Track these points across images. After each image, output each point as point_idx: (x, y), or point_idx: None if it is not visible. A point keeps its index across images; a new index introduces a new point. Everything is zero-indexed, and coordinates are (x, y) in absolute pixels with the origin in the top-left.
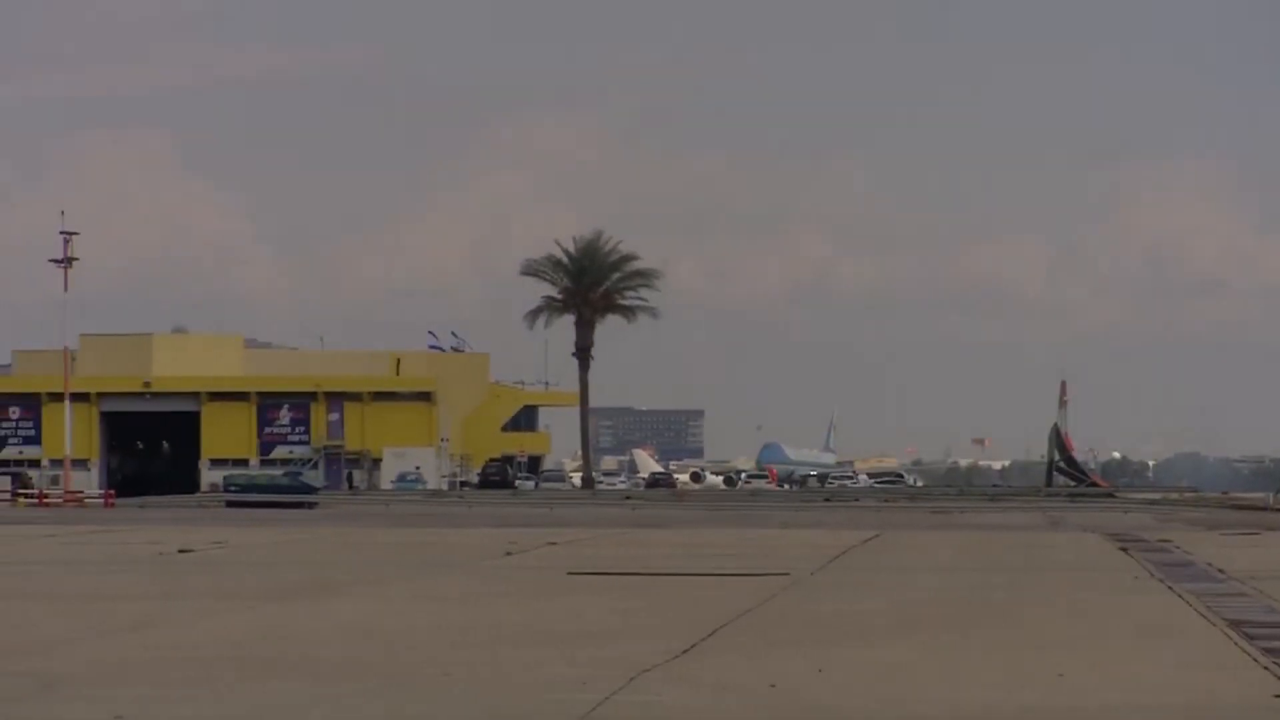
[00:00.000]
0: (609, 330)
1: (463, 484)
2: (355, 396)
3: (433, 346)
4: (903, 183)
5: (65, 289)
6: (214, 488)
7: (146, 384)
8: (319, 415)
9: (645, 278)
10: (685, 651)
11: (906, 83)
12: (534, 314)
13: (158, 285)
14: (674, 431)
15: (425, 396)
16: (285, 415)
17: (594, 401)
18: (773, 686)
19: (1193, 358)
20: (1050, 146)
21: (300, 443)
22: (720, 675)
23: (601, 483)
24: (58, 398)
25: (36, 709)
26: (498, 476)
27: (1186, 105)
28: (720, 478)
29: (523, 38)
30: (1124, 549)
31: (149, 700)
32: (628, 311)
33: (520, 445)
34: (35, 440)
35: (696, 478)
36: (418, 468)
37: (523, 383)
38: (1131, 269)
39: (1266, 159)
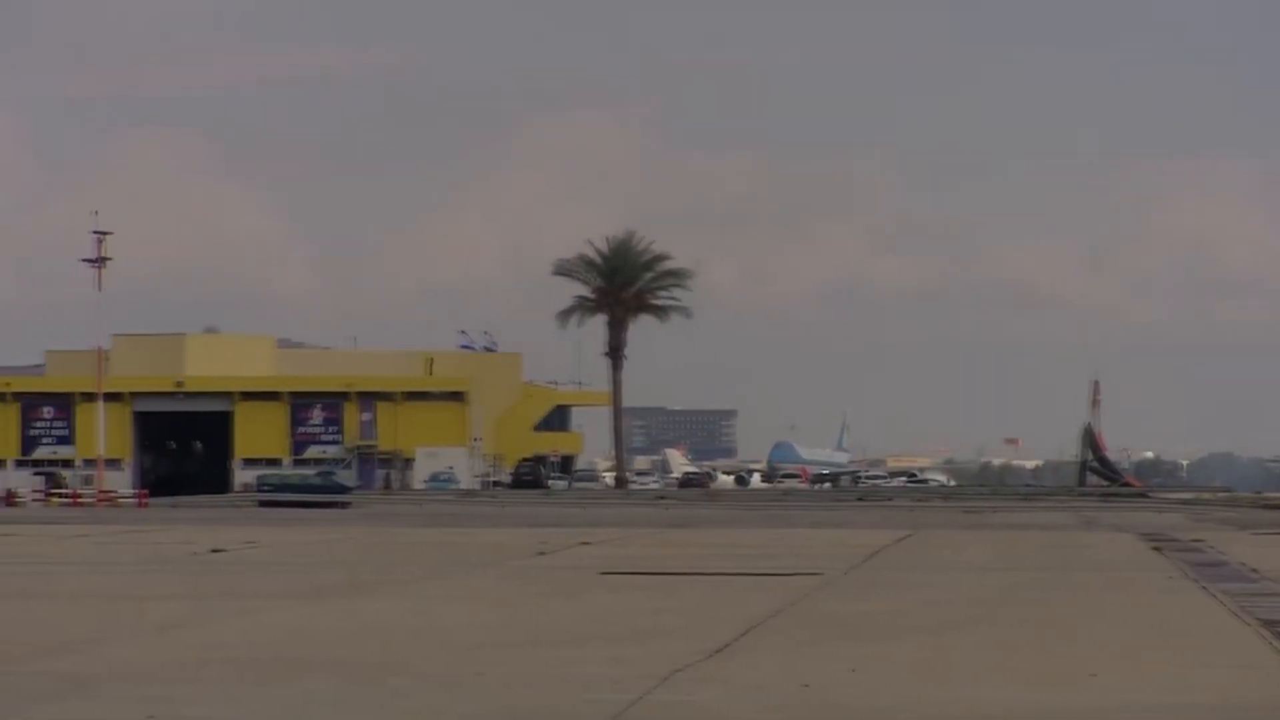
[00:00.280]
0: (641, 330)
1: (495, 484)
2: (388, 396)
3: (464, 346)
4: (936, 181)
5: (98, 289)
6: (246, 487)
7: (179, 384)
8: (351, 415)
9: (677, 277)
10: (718, 651)
11: (940, 78)
12: (566, 314)
13: (190, 285)
14: (706, 431)
15: (458, 396)
16: (318, 415)
17: (626, 401)
18: (805, 686)
19: (1226, 358)
20: (1085, 144)
21: (333, 442)
22: (753, 675)
23: (634, 482)
24: (91, 398)
25: (69, 708)
26: (530, 476)
27: (1224, 103)
28: (731, 477)
29: (555, 36)
30: (1157, 549)
31: (180, 700)
32: (660, 311)
33: (553, 445)
34: (69, 440)
35: (741, 481)
36: (450, 468)
37: (555, 383)
38: (1166, 269)
39: None
